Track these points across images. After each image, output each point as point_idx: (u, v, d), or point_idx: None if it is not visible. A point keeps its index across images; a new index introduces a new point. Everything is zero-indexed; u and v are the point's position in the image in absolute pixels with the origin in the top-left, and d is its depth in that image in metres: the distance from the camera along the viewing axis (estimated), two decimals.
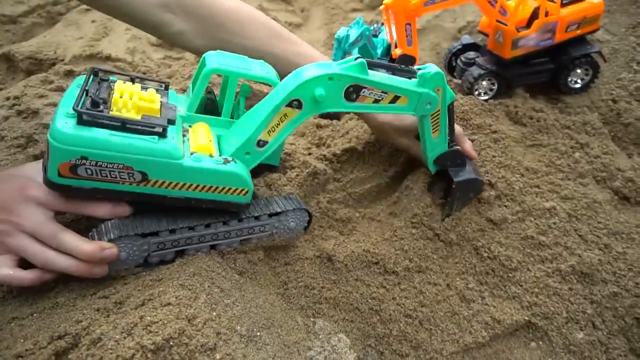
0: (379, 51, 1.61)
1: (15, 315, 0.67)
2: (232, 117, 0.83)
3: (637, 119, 1.17)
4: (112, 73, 0.78)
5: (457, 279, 0.96)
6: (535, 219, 0.99)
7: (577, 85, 1.22)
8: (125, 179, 0.65)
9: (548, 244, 0.97)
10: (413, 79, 0.82)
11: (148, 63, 1.52)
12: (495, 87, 1.19)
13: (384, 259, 0.94)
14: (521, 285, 0.94)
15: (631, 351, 0.89)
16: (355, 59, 0.76)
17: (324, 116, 1.46)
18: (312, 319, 0.87)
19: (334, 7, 2.80)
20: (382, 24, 1.69)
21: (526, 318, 0.91)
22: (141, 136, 0.65)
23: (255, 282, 0.84)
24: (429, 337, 0.89)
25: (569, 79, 1.20)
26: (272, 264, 0.90)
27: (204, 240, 0.78)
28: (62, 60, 1.54)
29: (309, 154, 1.21)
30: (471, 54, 1.22)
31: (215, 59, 0.79)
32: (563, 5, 1.11)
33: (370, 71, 0.76)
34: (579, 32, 1.14)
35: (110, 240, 0.69)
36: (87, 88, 0.69)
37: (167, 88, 0.83)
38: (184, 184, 0.69)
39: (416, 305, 0.91)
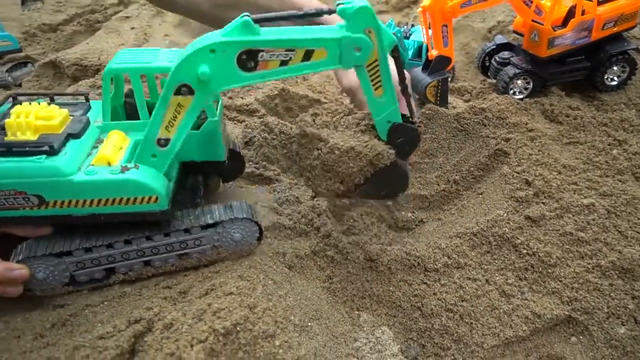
0: (410, 52, 1.63)
1: (87, 303, 0.72)
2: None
3: None
4: (35, 95, 0.78)
5: (497, 275, 0.98)
6: (573, 215, 1.01)
7: (614, 83, 1.22)
8: (23, 204, 0.64)
9: (587, 240, 0.98)
10: (333, 27, 0.65)
11: None
12: (530, 86, 1.20)
13: (423, 259, 0.97)
14: (561, 281, 0.95)
15: None
16: (242, 17, 0.62)
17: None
18: (356, 312, 0.90)
19: None
20: (412, 25, 1.72)
21: (566, 313, 0.92)
22: (28, 158, 0.62)
23: (302, 276, 0.88)
24: (469, 330, 0.92)
25: (606, 77, 1.21)
26: (317, 260, 0.93)
27: (130, 258, 0.73)
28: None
29: None
30: (505, 54, 1.24)
31: (116, 58, 0.74)
32: (599, 3, 1.12)
33: (263, 29, 0.63)
34: (615, 29, 1.15)
35: (19, 261, 0.67)
36: None
37: (87, 100, 0.80)
38: (85, 201, 0.65)
39: (457, 300, 0.94)
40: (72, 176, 0.64)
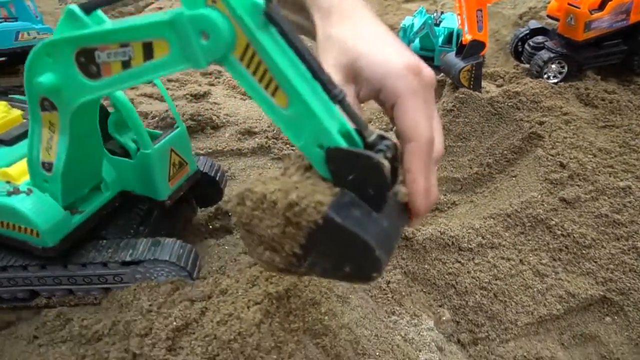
0: (440, 39, 1.64)
1: None
2: None
3: None
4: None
5: (530, 255, 0.99)
6: (609, 197, 1.01)
7: None
8: None
9: (623, 222, 0.98)
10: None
11: None
12: (564, 70, 1.20)
13: (457, 239, 0.99)
14: (596, 262, 0.96)
15: None
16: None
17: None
18: (392, 288, 0.93)
19: None
20: (442, 12, 1.72)
21: (601, 293, 0.93)
22: None
23: None
24: (503, 308, 0.94)
25: None
26: None
27: (46, 283, 0.69)
28: None
29: None
30: (540, 38, 1.24)
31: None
32: None
33: (109, 21, 0.49)
34: None
35: None
36: None
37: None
38: None
39: (490, 278, 0.96)
40: None
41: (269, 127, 1.20)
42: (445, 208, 1.17)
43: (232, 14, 0.37)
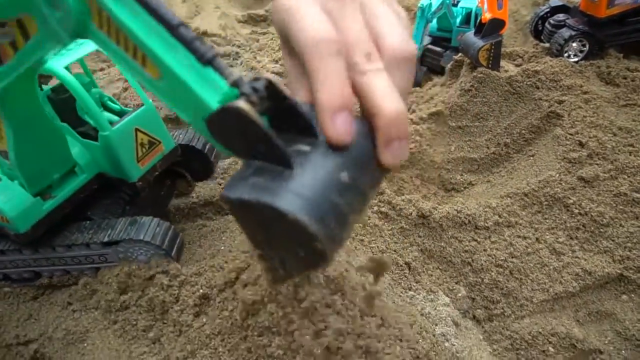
0: (458, 20, 1.62)
1: None
2: None
3: None
4: None
5: (547, 234, 1.00)
6: (628, 176, 1.00)
7: None
8: None
9: None
10: None
11: (238, 38, 1.63)
12: (586, 48, 1.18)
13: (474, 217, 1.00)
14: (613, 240, 0.96)
15: None
16: None
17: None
18: (408, 263, 0.95)
19: None
20: None
21: (618, 271, 0.94)
22: None
23: (359, 227, 0.93)
24: (519, 285, 0.95)
25: None
26: (372, 215, 0.98)
27: (43, 265, 0.71)
28: None
29: None
30: (561, 16, 1.22)
31: None
32: None
33: None
34: None
35: None
36: None
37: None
38: None
39: (506, 256, 0.97)
40: None
41: None
42: (462, 188, 1.18)
43: None
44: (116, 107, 0.75)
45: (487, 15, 1.11)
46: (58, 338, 0.65)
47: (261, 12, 1.85)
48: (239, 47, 1.51)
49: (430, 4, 1.48)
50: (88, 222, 0.71)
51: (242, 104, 0.28)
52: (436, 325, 0.84)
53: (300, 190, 0.27)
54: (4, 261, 0.70)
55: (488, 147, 1.18)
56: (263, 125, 0.28)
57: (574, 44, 1.18)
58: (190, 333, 0.61)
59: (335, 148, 0.29)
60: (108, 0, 0.33)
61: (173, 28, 0.31)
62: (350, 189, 0.29)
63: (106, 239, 0.67)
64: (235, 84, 0.30)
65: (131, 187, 0.73)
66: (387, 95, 0.29)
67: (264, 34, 1.72)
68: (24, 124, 0.56)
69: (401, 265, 0.92)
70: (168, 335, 0.63)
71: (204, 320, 0.60)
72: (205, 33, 1.56)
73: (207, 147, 0.87)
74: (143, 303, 0.66)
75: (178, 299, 0.65)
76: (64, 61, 0.61)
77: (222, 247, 0.79)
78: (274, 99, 0.30)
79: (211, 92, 0.32)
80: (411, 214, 0.98)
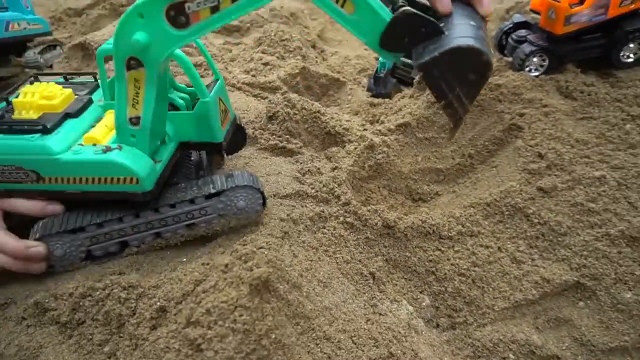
0: None
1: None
2: None
3: None
4: (51, 75, 0.83)
5: (508, 243, 1.02)
6: (584, 187, 1.04)
7: (630, 60, 1.24)
8: (24, 178, 0.68)
9: (597, 210, 1.01)
10: None
11: (211, 48, 1.64)
12: (545, 63, 1.23)
13: (438, 227, 1.02)
14: (570, 249, 1.00)
15: None
16: None
17: (375, 96, 1.54)
18: (374, 274, 0.96)
19: None
20: None
21: (575, 279, 0.97)
22: (23, 136, 0.67)
23: (324, 237, 0.94)
24: (481, 294, 0.97)
25: (622, 54, 1.22)
26: (337, 225, 0.99)
27: (140, 230, 0.76)
28: None
29: (365, 129, 1.30)
30: (522, 32, 1.26)
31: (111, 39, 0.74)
32: None
33: None
34: (633, 6, 1.16)
35: (37, 239, 0.71)
36: (8, 97, 0.73)
37: (95, 79, 0.84)
38: (74, 178, 0.69)
39: (469, 265, 0.99)
40: (60, 155, 0.68)
41: (255, 118, 1.22)
42: (429, 198, 1.20)
43: None
44: (181, 86, 0.87)
45: None
46: (10, 355, 0.64)
47: (234, 22, 1.87)
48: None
49: None
50: (182, 184, 0.80)
51: (408, 9, 0.56)
52: (399, 334, 0.85)
53: (463, 34, 0.55)
54: (124, 228, 0.75)
55: (453, 158, 1.21)
56: (425, 16, 0.56)
57: (535, 59, 1.22)
58: (145, 347, 0.60)
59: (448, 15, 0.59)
60: None
61: None
62: (478, 28, 0.57)
63: (212, 191, 0.77)
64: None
65: (217, 147, 0.84)
66: None
67: (237, 44, 1.73)
68: (162, 88, 0.68)
69: (365, 275, 0.94)
70: (124, 349, 0.62)
71: (159, 334, 0.60)
72: None
73: (242, 122, 0.99)
74: (99, 317, 0.65)
75: (135, 312, 0.64)
76: None
77: (184, 259, 0.78)
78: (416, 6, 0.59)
79: (385, 12, 0.59)
80: (376, 224, 1.00)
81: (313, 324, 0.70)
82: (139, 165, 0.69)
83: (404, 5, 0.58)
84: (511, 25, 1.32)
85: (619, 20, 1.18)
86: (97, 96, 0.81)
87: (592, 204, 1.02)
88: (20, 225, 0.75)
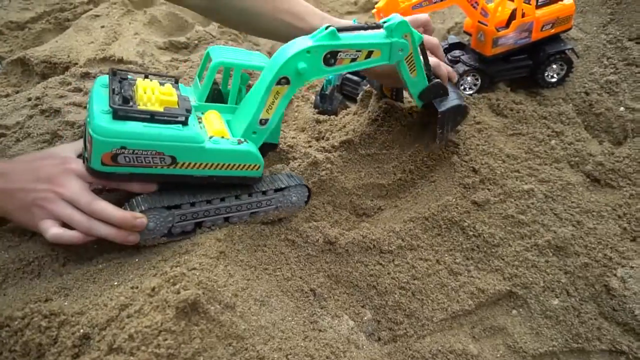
0: None
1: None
2: (236, 104, 0.95)
3: (607, 109, 1.28)
4: (128, 72, 0.88)
5: (446, 255, 1.06)
6: (515, 200, 1.10)
7: (554, 80, 1.33)
8: (157, 163, 0.76)
9: (527, 222, 1.07)
10: (381, 32, 0.90)
11: (157, 65, 1.62)
12: (479, 82, 1.30)
13: (379, 242, 1.04)
14: (503, 259, 1.04)
15: (600, 315, 1.00)
16: (326, 28, 0.82)
17: (322, 112, 1.57)
18: (315, 290, 0.97)
19: (330, 10, 2.91)
20: None
21: (507, 288, 1.01)
22: (168, 125, 0.76)
23: (263, 256, 0.94)
24: (420, 306, 1.00)
25: (546, 74, 1.31)
26: (278, 243, 0.99)
27: (219, 213, 0.88)
28: (76, 63, 1.63)
29: (310, 146, 1.31)
30: (457, 52, 1.33)
31: (219, 53, 0.90)
32: (538, 6, 1.22)
33: (341, 35, 0.84)
34: (553, 31, 1.25)
35: (141, 212, 0.79)
36: (113, 87, 0.79)
37: (177, 82, 0.93)
38: (207, 164, 0.80)
39: (409, 278, 1.02)
40: (203, 144, 0.78)
41: None
42: (372, 213, 1.23)
43: (413, 44, 0.94)
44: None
45: None
46: None
47: (182, 39, 1.86)
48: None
49: None
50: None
51: (438, 81, 1.07)
52: (339, 349, 0.85)
53: (457, 96, 1.09)
54: (209, 209, 0.86)
55: (395, 174, 1.25)
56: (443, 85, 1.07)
57: (469, 78, 1.29)
58: None
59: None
60: (416, 52, 0.98)
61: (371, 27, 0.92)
62: (457, 90, 1.13)
63: (282, 186, 0.92)
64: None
65: (274, 147, 1.07)
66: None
67: (185, 61, 1.72)
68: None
69: (306, 292, 0.94)
70: None
71: None
72: (121, 60, 1.54)
73: None
74: (17, 348, 0.62)
75: (56, 341, 0.62)
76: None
77: (115, 283, 0.76)
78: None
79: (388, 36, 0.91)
80: (318, 240, 1.01)
81: (246, 344, 0.70)
82: (259, 155, 0.84)
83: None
84: (446, 46, 1.39)
85: (542, 44, 1.27)
86: None
87: (522, 215, 1.08)
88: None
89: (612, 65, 1.34)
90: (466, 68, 1.27)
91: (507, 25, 1.22)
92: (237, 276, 0.80)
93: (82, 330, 0.62)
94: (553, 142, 1.20)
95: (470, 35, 1.32)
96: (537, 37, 1.24)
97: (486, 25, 1.21)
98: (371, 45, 0.88)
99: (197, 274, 0.71)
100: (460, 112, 1.09)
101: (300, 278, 0.96)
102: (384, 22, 0.90)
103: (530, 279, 1.02)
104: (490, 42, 1.20)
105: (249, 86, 0.98)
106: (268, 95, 0.83)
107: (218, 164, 0.81)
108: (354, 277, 1.01)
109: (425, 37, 1.02)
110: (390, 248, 1.05)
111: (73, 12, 2.47)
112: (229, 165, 0.82)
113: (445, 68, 1.10)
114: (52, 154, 0.83)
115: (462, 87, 1.30)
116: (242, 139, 0.84)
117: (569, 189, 1.12)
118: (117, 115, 0.72)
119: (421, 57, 0.98)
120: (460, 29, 1.85)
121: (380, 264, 1.03)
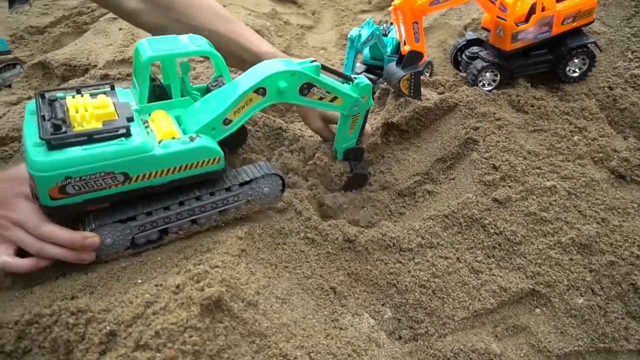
0: (389, 49, 1.71)
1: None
2: (182, 95, 0.88)
3: (632, 104, 1.25)
4: (57, 89, 0.84)
5: (467, 253, 1.05)
6: (537, 197, 1.08)
7: (575, 74, 1.30)
8: (110, 183, 0.71)
9: (549, 219, 1.05)
10: (348, 85, 0.98)
11: None
12: (497, 78, 1.28)
13: (398, 240, 1.03)
14: (525, 257, 1.03)
15: (628, 314, 0.97)
16: (312, 61, 0.89)
17: None
18: (335, 288, 0.97)
19: (344, 9, 2.91)
20: (391, 23, 1.79)
21: (530, 286, 1.00)
22: (110, 142, 0.70)
23: (284, 253, 0.94)
24: (441, 304, 0.99)
25: (568, 69, 1.29)
26: (298, 240, 0.99)
27: (182, 217, 0.84)
28: (95, 65, 1.66)
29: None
30: (475, 49, 1.32)
31: (149, 47, 0.82)
32: (558, 0, 1.20)
33: (321, 73, 0.91)
34: (574, 24, 1.23)
35: (93, 229, 0.76)
36: (42, 114, 0.73)
37: (112, 88, 0.87)
38: (162, 171, 0.75)
39: (429, 276, 1.01)
40: (152, 151, 0.73)
41: None
42: (391, 211, 1.22)
43: (365, 106, 1.04)
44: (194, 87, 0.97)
45: (405, 48, 1.17)
46: None
47: None
48: None
49: (360, 35, 1.55)
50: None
51: (360, 146, 1.15)
52: (361, 347, 0.85)
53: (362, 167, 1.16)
54: (169, 216, 0.84)
55: (413, 171, 1.24)
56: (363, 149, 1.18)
57: (487, 74, 1.27)
58: None
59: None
60: (363, 115, 1.08)
61: (344, 77, 1.01)
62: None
63: (247, 179, 0.89)
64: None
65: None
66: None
67: (202, 61, 1.73)
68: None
69: (326, 290, 0.94)
70: None
71: (107, 359, 0.58)
72: None
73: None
74: (46, 344, 0.63)
75: (84, 337, 0.63)
76: None
77: (139, 281, 0.77)
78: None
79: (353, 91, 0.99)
80: (337, 238, 1.01)
81: (269, 342, 0.70)
82: (218, 148, 0.81)
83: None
84: (464, 42, 1.37)
85: (563, 38, 1.24)
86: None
87: (545, 213, 1.06)
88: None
89: (637, 59, 1.31)
90: (484, 64, 1.25)
91: (527, 19, 1.20)
92: (258, 274, 0.80)
93: (108, 327, 0.62)
94: (576, 138, 1.18)
95: (488, 31, 1.30)
96: (558, 31, 1.22)
97: (505, 20, 1.19)
98: (340, 92, 0.96)
99: (220, 271, 0.71)
100: (363, 181, 1.18)
101: (320, 276, 0.96)
102: (355, 78, 0.99)
103: (554, 277, 1.00)
104: (510, 37, 1.18)
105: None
106: (241, 98, 0.82)
107: (175, 168, 0.76)
108: (374, 275, 1.01)
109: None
110: (410, 246, 1.04)
111: (91, 15, 2.52)
112: (186, 165, 0.77)
113: (367, 141, 1.20)
114: (11, 176, 0.79)
115: (481, 84, 1.28)
116: (195, 135, 0.79)
117: (593, 185, 1.10)
118: (51, 145, 0.66)
119: (362, 122, 1.06)
120: (478, 25, 1.83)
121: (400, 262, 1.03)
